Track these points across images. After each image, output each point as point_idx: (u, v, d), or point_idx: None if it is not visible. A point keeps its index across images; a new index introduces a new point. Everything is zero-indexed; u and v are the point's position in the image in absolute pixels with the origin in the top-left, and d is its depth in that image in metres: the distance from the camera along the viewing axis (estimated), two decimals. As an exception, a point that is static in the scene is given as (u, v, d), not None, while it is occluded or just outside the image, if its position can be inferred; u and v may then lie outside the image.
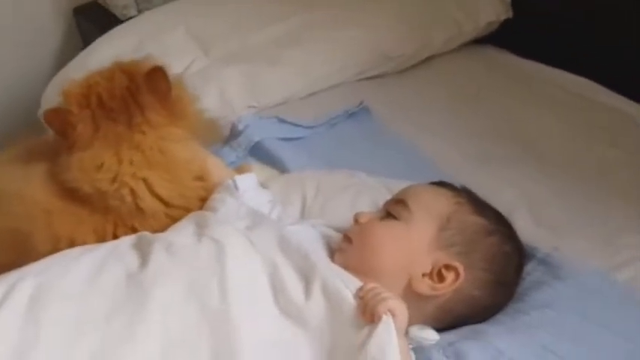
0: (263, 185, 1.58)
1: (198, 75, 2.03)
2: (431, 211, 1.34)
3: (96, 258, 1.26)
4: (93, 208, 1.38)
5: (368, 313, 1.11)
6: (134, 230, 1.38)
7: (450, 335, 1.28)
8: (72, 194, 1.38)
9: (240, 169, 1.59)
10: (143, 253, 1.26)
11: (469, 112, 2.06)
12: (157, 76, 1.41)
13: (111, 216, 1.39)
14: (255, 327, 1.15)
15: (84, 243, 1.35)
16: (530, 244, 1.47)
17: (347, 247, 1.34)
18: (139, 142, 1.39)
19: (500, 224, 1.37)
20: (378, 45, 2.22)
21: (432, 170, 1.75)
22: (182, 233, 1.32)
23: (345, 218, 1.43)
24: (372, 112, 2.02)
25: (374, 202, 1.55)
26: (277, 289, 1.19)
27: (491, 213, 1.38)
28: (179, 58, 2.07)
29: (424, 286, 1.29)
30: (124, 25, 2.41)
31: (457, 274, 1.28)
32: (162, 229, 1.38)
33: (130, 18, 2.50)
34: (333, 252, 1.36)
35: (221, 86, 2.03)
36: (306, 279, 1.19)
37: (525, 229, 1.49)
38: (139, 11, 2.55)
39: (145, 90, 1.41)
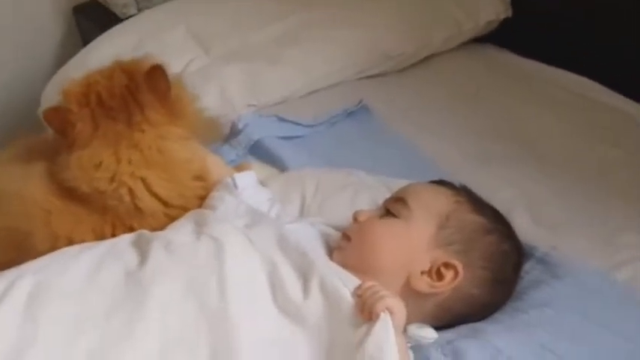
0: (262, 183, 1.58)
1: (198, 74, 2.04)
2: (430, 210, 1.35)
3: (95, 256, 1.26)
4: (91, 208, 1.38)
5: (366, 311, 1.11)
6: (132, 230, 1.38)
7: (449, 334, 1.28)
8: (71, 193, 1.38)
9: (240, 168, 1.59)
10: (142, 251, 1.26)
11: (469, 112, 2.06)
12: (156, 75, 1.41)
13: (109, 216, 1.39)
14: (254, 325, 1.15)
15: (82, 242, 1.35)
16: (529, 243, 1.47)
17: (346, 245, 1.34)
18: (138, 140, 1.39)
19: (499, 223, 1.37)
20: (377, 44, 2.22)
21: (432, 169, 1.75)
22: (181, 231, 1.32)
23: (344, 217, 1.43)
24: (371, 111, 2.02)
25: (373, 201, 1.55)
26: (276, 288, 1.19)
27: (490, 212, 1.38)
28: (179, 57, 2.07)
29: (423, 284, 1.29)
30: (123, 23, 2.41)
31: (456, 273, 1.29)
32: (161, 228, 1.38)
33: (130, 17, 2.50)
34: (331, 250, 1.37)
35: (221, 85, 2.03)
36: (305, 277, 1.19)
37: (524, 228, 1.49)
38: (139, 10, 2.55)
39: (144, 89, 1.41)
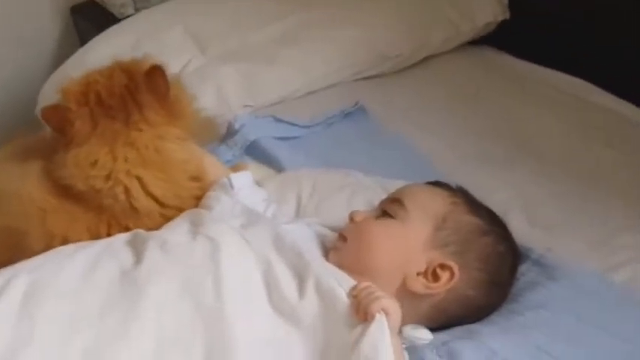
0: (258, 184, 1.58)
1: (195, 73, 2.04)
2: (427, 211, 1.35)
3: (90, 255, 1.26)
4: (87, 207, 1.38)
5: (361, 312, 1.11)
6: (128, 230, 1.38)
7: (444, 335, 1.29)
8: (67, 192, 1.38)
9: (236, 168, 1.59)
10: (137, 250, 1.26)
11: (466, 113, 2.06)
12: (156, 75, 1.41)
13: (105, 215, 1.38)
14: (249, 325, 1.15)
15: (77, 241, 1.34)
16: (525, 245, 1.47)
17: (342, 245, 1.34)
18: (135, 139, 1.39)
19: (495, 224, 1.37)
20: (375, 45, 2.22)
21: (429, 170, 1.76)
22: (177, 231, 1.32)
23: (340, 217, 1.43)
24: (368, 112, 2.02)
25: (369, 202, 1.55)
26: (271, 288, 1.19)
27: (486, 213, 1.39)
28: (176, 57, 2.07)
29: (419, 285, 1.29)
30: (121, 23, 2.41)
31: (452, 274, 1.29)
32: (157, 228, 1.37)
33: (128, 17, 2.50)
34: (327, 251, 1.37)
35: (218, 85, 2.03)
36: (300, 277, 1.19)
37: (520, 229, 1.49)
38: (136, 10, 2.54)
39: (143, 89, 1.41)
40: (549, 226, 1.59)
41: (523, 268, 1.44)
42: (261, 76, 2.08)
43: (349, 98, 2.05)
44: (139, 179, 1.38)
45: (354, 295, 1.15)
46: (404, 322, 1.19)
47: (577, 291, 1.39)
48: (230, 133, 1.85)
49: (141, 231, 1.35)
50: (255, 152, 1.81)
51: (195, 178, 1.45)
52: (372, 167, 1.75)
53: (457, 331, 1.30)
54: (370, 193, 1.61)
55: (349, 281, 1.20)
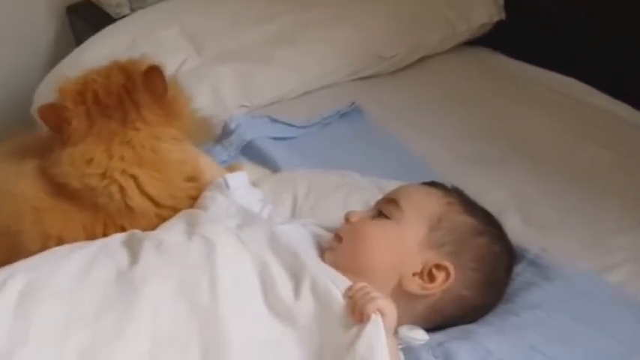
0: (254, 184, 1.58)
1: (190, 73, 2.03)
2: (422, 211, 1.35)
3: (86, 255, 1.25)
4: (82, 206, 1.38)
5: (357, 313, 1.11)
6: (124, 230, 1.38)
7: (440, 335, 1.29)
8: (62, 191, 1.38)
9: (232, 168, 1.59)
10: (133, 251, 1.26)
11: (462, 113, 2.07)
12: (153, 75, 1.41)
13: (100, 214, 1.38)
14: (245, 326, 1.14)
15: (73, 241, 1.34)
16: (521, 245, 1.47)
17: (337, 245, 1.34)
18: (131, 138, 1.39)
19: (490, 224, 1.37)
20: (371, 45, 2.22)
21: (424, 170, 1.76)
22: (172, 232, 1.32)
23: (336, 218, 1.43)
24: (364, 113, 2.02)
25: (365, 202, 1.55)
26: (267, 288, 1.19)
27: (482, 213, 1.39)
28: (172, 57, 2.06)
29: (414, 286, 1.29)
30: (117, 23, 2.41)
31: (448, 274, 1.29)
32: (152, 228, 1.37)
33: (123, 16, 2.50)
34: (323, 251, 1.36)
35: (214, 85, 2.03)
36: (296, 278, 1.19)
37: (515, 229, 1.50)
38: (132, 10, 2.54)
39: (141, 88, 1.41)
40: (544, 226, 1.59)
41: (518, 268, 1.44)
42: (257, 77, 2.08)
43: (345, 98, 2.05)
44: (134, 178, 1.38)
45: (349, 295, 1.15)
46: (400, 322, 1.18)
47: (572, 291, 1.39)
48: (226, 133, 1.85)
49: (137, 231, 1.34)
50: (251, 152, 1.81)
51: (191, 179, 1.46)
52: (367, 168, 1.75)
53: (453, 331, 1.30)
54: (366, 193, 1.61)
55: (345, 282, 1.19)
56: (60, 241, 1.35)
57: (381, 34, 2.25)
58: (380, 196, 1.47)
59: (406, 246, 1.32)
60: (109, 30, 2.33)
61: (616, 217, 1.64)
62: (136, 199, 1.38)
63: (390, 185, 1.53)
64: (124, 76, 1.42)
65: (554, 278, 1.41)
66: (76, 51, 2.30)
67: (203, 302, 1.16)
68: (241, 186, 1.50)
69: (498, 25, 2.41)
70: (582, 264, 1.49)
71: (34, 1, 2.76)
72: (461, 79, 2.24)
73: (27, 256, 1.28)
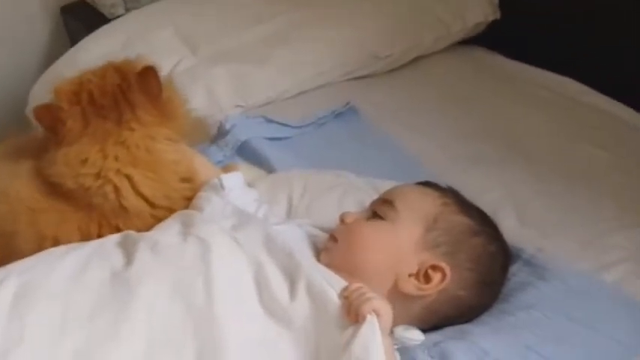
0: (250, 185, 1.58)
1: (185, 74, 2.03)
2: (417, 212, 1.35)
3: (81, 256, 1.25)
4: (77, 206, 1.37)
5: (352, 313, 1.11)
6: (119, 230, 1.37)
7: (435, 335, 1.29)
8: (57, 191, 1.38)
9: (227, 169, 1.58)
10: (128, 252, 1.26)
11: (457, 113, 2.07)
12: (148, 76, 1.41)
13: (95, 214, 1.38)
14: (240, 326, 1.14)
15: (68, 242, 1.34)
16: (516, 245, 1.47)
17: (333, 246, 1.34)
18: (126, 138, 1.39)
19: (485, 224, 1.37)
20: (366, 45, 2.22)
21: (420, 170, 1.76)
22: (168, 232, 1.32)
23: (331, 218, 1.43)
24: (359, 113, 2.02)
25: (360, 202, 1.55)
26: (262, 289, 1.19)
27: (477, 213, 1.39)
28: (167, 57, 2.06)
29: (410, 287, 1.29)
30: (111, 23, 2.41)
31: (444, 275, 1.29)
32: (147, 229, 1.37)
33: (118, 17, 2.49)
34: (319, 252, 1.36)
35: (208, 85, 2.03)
36: (291, 278, 1.19)
37: (511, 229, 1.50)
38: (127, 10, 2.54)
39: (136, 89, 1.41)
40: (540, 226, 1.59)
41: (514, 268, 1.44)
42: (252, 77, 2.08)
43: (340, 98, 2.05)
44: (128, 178, 1.38)
45: (345, 296, 1.15)
46: (395, 323, 1.18)
47: (568, 291, 1.40)
48: (221, 133, 1.85)
49: (132, 232, 1.34)
50: (246, 153, 1.81)
51: (186, 179, 1.45)
52: (362, 168, 1.75)
53: (449, 331, 1.30)
54: (361, 193, 1.61)
55: (340, 282, 1.19)
56: (55, 242, 1.35)
57: (376, 34, 2.25)
58: (375, 197, 1.47)
59: (402, 247, 1.31)
60: (103, 30, 2.33)
61: (612, 217, 1.64)
62: (131, 200, 1.38)
63: (386, 185, 1.53)
64: (119, 77, 1.42)
65: (549, 278, 1.41)
66: (71, 51, 2.30)
67: (198, 303, 1.16)
68: (236, 186, 1.49)
69: (493, 25, 2.40)
70: (578, 264, 1.48)
71: (29, 1, 2.76)
72: (456, 79, 2.24)
73: (22, 257, 1.28)
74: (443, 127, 2.00)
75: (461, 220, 1.35)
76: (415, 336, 1.24)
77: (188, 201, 1.45)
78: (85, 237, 1.36)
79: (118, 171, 1.37)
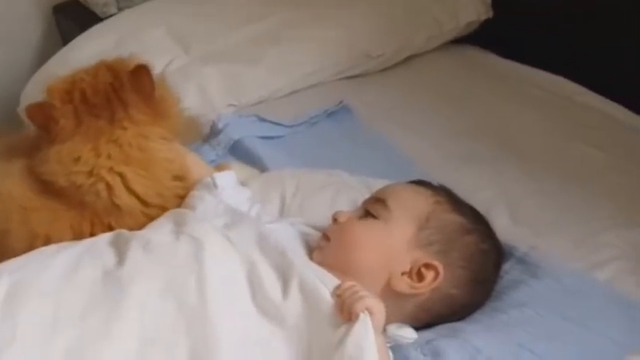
0: (242, 183, 1.58)
1: (177, 73, 2.03)
2: (410, 210, 1.35)
3: (72, 255, 1.25)
4: (69, 205, 1.37)
5: (345, 312, 1.11)
6: (111, 228, 1.37)
7: (428, 333, 1.29)
8: (49, 189, 1.37)
9: (220, 168, 1.58)
10: (120, 250, 1.26)
11: (450, 112, 2.07)
12: (141, 75, 1.41)
13: (87, 213, 1.38)
14: (233, 325, 1.14)
15: (60, 240, 1.34)
16: (509, 243, 1.47)
17: (325, 245, 1.34)
18: (119, 136, 1.39)
19: (478, 223, 1.38)
20: (358, 44, 2.22)
21: (413, 169, 1.76)
22: (160, 231, 1.32)
23: (324, 217, 1.43)
24: (352, 112, 2.02)
25: (353, 201, 1.55)
26: (255, 288, 1.19)
27: (470, 211, 1.39)
28: (159, 57, 2.06)
29: (403, 285, 1.29)
30: (104, 23, 2.41)
31: (437, 273, 1.29)
32: (140, 227, 1.37)
33: (110, 16, 2.49)
34: (311, 250, 1.36)
35: (201, 85, 2.03)
36: (284, 277, 1.19)
37: (503, 227, 1.50)
38: (119, 9, 2.53)
39: (128, 87, 1.41)
40: (533, 224, 1.59)
41: (507, 266, 1.44)
42: (245, 76, 2.08)
43: (332, 98, 2.05)
44: (121, 176, 1.38)
45: (338, 294, 1.15)
46: (388, 321, 1.18)
47: (560, 289, 1.40)
48: (213, 132, 1.85)
49: (124, 231, 1.34)
50: (239, 152, 1.81)
51: (179, 178, 1.45)
52: (355, 167, 1.75)
53: (441, 329, 1.30)
54: (354, 192, 1.61)
55: (333, 281, 1.19)
56: (47, 240, 1.34)
57: (368, 33, 2.25)
58: (368, 195, 1.47)
59: (394, 245, 1.32)
60: (95, 29, 2.33)
61: (605, 216, 1.64)
62: (123, 197, 1.38)
63: (378, 184, 1.53)
64: (111, 75, 1.42)
65: (542, 276, 1.42)
66: (63, 50, 2.30)
67: (191, 301, 1.16)
68: (229, 185, 1.49)
69: (486, 24, 2.41)
70: (571, 262, 1.49)
71: (21, 0, 2.75)
72: (449, 78, 2.25)
73: (14, 256, 1.28)
74: (436, 126, 2.00)
75: (453, 219, 1.35)
76: (408, 334, 1.24)
77: (180, 199, 1.45)
78: (77, 235, 1.36)
79: (110, 169, 1.37)
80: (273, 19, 2.28)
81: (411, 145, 1.90)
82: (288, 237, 1.37)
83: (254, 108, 2.02)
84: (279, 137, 1.89)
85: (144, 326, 1.13)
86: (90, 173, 1.37)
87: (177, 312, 1.15)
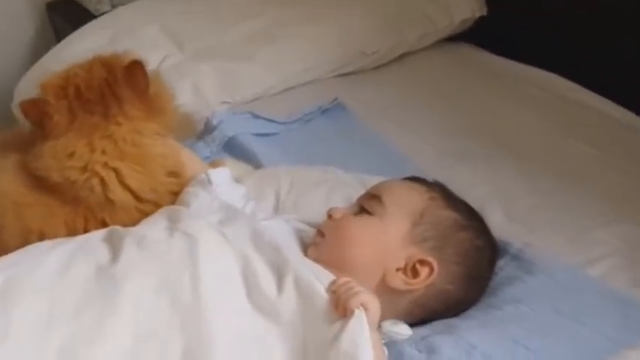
0: (237, 180, 1.58)
1: (172, 70, 2.03)
2: (404, 206, 1.34)
3: (66, 251, 1.25)
4: (63, 200, 1.37)
5: (340, 307, 1.11)
6: (105, 224, 1.37)
7: (423, 329, 1.29)
8: (42, 185, 1.37)
9: (214, 165, 1.58)
10: (114, 247, 1.26)
11: (444, 109, 2.07)
12: (135, 70, 1.41)
13: (81, 208, 1.38)
14: (228, 321, 1.14)
15: (54, 236, 1.34)
16: (503, 240, 1.47)
17: (320, 241, 1.34)
18: (113, 132, 1.39)
19: (473, 219, 1.38)
20: (352, 41, 2.23)
21: (407, 166, 1.75)
22: (154, 228, 1.31)
23: (318, 213, 1.43)
24: (346, 109, 2.02)
25: (348, 198, 1.54)
26: (250, 284, 1.19)
27: (464, 208, 1.39)
28: (153, 54, 2.05)
29: (398, 281, 1.29)
30: (97, 20, 2.41)
31: (431, 269, 1.29)
32: (134, 223, 1.37)
33: (104, 13, 2.49)
34: (306, 247, 1.36)
35: (195, 82, 2.03)
36: (279, 273, 1.19)
37: (498, 224, 1.50)
38: (113, 6, 2.54)
39: (123, 83, 1.41)
40: (527, 221, 1.59)
41: (501, 262, 1.44)
42: (239, 73, 2.09)
43: (327, 95, 2.05)
44: (115, 171, 1.38)
45: (332, 290, 1.15)
46: (383, 317, 1.18)
47: (555, 285, 1.40)
48: (208, 129, 1.85)
49: (118, 227, 1.34)
50: (233, 149, 1.81)
51: (173, 174, 1.45)
52: (350, 164, 1.75)
53: (436, 325, 1.30)
54: (349, 189, 1.61)
55: (328, 276, 1.19)
56: (41, 236, 1.34)
57: (363, 31, 2.25)
58: (362, 192, 1.47)
59: (389, 241, 1.31)
60: (89, 26, 2.33)
61: (598, 213, 1.64)
62: (117, 192, 1.38)
63: (373, 181, 1.53)
64: (105, 71, 1.42)
65: (536, 272, 1.41)
66: (57, 47, 2.30)
67: (185, 298, 1.15)
68: (224, 182, 1.49)
69: (480, 21, 2.41)
70: (565, 258, 1.49)
71: (14, -2, 2.76)
72: (443, 75, 2.25)
73: (8, 252, 1.28)
74: (430, 124, 2.00)
75: (448, 215, 1.35)
76: (403, 330, 1.24)
77: (174, 196, 1.45)
78: (71, 231, 1.36)
79: (105, 164, 1.37)
80: (268, 16, 2.28)
81: (406, 142, 1.90)
82: (282, 233, 1.36)
83: (248, 105, 2.02)
84: (273, 134, 1.89)
85: (138, 323, 1.13)
86: (84, 169, 1.37)
87: (171, 309, 1.15)
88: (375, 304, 1.13)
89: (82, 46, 2.13)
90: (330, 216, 1.37)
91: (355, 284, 1.15)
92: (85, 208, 1.38)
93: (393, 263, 1.29)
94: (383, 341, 1.20)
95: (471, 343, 1.24)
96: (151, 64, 1.77)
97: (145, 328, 1.13)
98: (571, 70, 2.15)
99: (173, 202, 1.43)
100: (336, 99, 2.02)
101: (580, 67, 2.14)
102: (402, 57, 2.31)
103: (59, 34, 2.62)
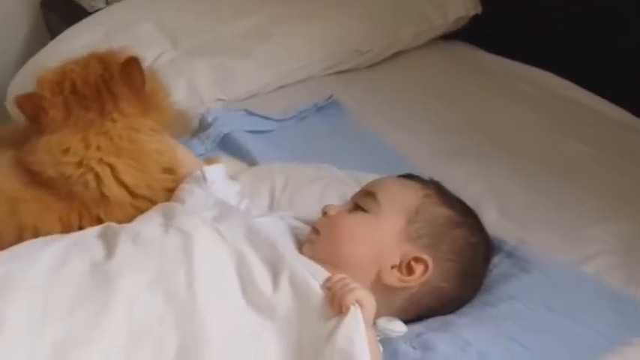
0: (232, 177, 1.58)
1: (166, 67, 2.02)
2: (399, 204, 1.35)
3: (61, 248, 1.24)
4: (58, 196, 1.37)
5: (336, 304, 1.11)
6: (100, 220, 1.37)
7: (418, 326, 1.29)
8: (37, 180, 1.37)
9: (209, 162, 1.58)
10: (109, 243, 1.25)
11: (439, 107, 2.07)
12: (131, 67, 1.41)
13: (76, 204, 1.37)
14: (223, 318, 1.14)
15: (49, 232, 1.34)
16: (498, 237, 1.47)
17: (315, 238, 1.34)
18: (109, 128, 1.39)
19: (467, 216, 1.38)
20: (347, 39, 2.23)
21: (402, 164, 1.75)
22: (149, 224, 1.31)
23: (313, 210, 1.43)
24: (341, 106, 2.02)
25: (343, 195, 1.55)
26: (245, 281, 1.19)
27: (459, 205, 1.39)
28: (147, 50, 2.04)
29: (393, 279, 1.29)
30: (92, 16, 2.41)
31: (426, 267, 1.29)
32: (128, 220, 1.36)
33: (98, 10, 2.48)
34: (301, 244, 1.36)
35: (190, 79, 2.03)
36: (274, 270, 1.19)
37: (493, 221, 1.50)
38: (108, 3, 2.54)
39: (118, 80, 1.40)
40: (522, 218, 1.60)
41: (496, 259, 1.45)
42: (234, 70, 2.08)
43: (322, 92, 2.05)
44: (111, 167, 1.38)
45: (328, 287, 1.15)
46: (378, 314, 1.18)
47: (549, 283, 1.40)
48: (203, 126, 1.85)
49: (113, 224, 1.33)
50: (228, 146, 1.80)
51: (168, 170, 1.45)
52: (344, 161, 1.75)
53: (431, 322, 1.31)
54: (344, 186, 1.61)
55: (323, 273, 1.19)
56: (35, 231, 1.34)
57: (358, 29, 2.25)
58: (357, 189, 1.47)
59: (384, 239, 1.32)
60: (84, 23, 2.33)
61: (593, 210, 1.65)
62: (112, 188, 1.38)
63: (368, 178, 1.53)
64: (102, 67, 1.42)
65: (531, 270, 1.42)
66: (52, 43, 2.30)
67: (180, 295, 1.15)
68: (219, 179, 1.49)
69: (475, 19, 2.41)
70: (559, 255, 1.49)
71: (8, -5, 2.75)
72: (438, 74, 2.25)
73: (2, 248, 1.28)
74: (424, 122, 2.00)
75: (442, 212, 1.35)
76: (398, 327, 1.24)
77: (169, 193, 1.44)
78: (66, 227, 1.36)
79: (100, 160, 1.37)
80: (263, 14, 2.28)
81: (400, 140, 1.90)
82: (277, 231, 1.36)
83: (243, 102, 2.02)
84: (268, 131, 1.89)
85: (132, 320, 1.13)
86: (79, 164, 1.36)
87: (166, 305, 1.14)
88: (370, 301, 1.13)
89: (78, 42, 2.13)
90: (324, 213, 1.37)
91: (351, 281, 1.15)
92: (80, 204, 1.38)
93: (388, 260, 1.30)
94: (378, 338, 1.19)
95: (466, 340, 1.25)
96: (146, 60, 1.78)
97: (140, 325, 1.13)
98: (566, 68, 2.15)
99: (168, 199, 1.43)
100: (331, 96, 2.02)
101: (576, 65, 2.15)
102: (396, 55, 2.32)
103: (53, 32, 2.61)
